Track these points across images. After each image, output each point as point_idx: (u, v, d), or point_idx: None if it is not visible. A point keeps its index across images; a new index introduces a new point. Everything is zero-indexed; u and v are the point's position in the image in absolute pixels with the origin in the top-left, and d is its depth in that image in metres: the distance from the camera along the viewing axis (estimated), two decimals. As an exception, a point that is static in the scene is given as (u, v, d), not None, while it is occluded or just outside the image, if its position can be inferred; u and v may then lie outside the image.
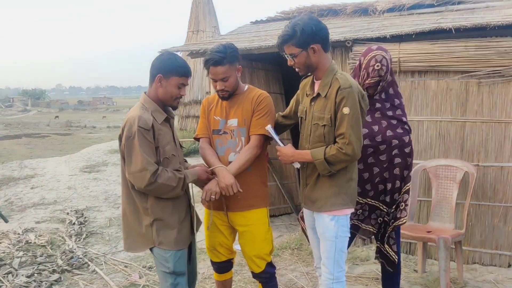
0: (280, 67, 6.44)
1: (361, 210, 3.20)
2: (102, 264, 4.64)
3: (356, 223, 3.22)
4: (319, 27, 2.58)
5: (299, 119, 2.88)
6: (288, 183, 6.45)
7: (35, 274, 4.29)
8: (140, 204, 2.57)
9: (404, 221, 3.12)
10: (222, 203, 2.91)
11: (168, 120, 2.68)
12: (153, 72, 2.60)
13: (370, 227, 3.26)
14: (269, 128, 2.80)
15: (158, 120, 2.58)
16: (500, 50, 4.04)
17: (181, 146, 2.87)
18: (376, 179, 3.10)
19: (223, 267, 3.18)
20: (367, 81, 3.00)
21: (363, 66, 3.03)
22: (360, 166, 3.02)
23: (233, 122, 2.92)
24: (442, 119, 4.45)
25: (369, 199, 3.18)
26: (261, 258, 2.99)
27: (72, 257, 4.70)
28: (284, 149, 2.76)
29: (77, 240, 5.36)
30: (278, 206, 6.33)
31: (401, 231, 3.80)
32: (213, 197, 2.75)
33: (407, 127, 3.09)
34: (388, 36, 4.41)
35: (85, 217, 6.33)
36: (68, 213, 6.46)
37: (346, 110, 2.51)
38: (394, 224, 3.13)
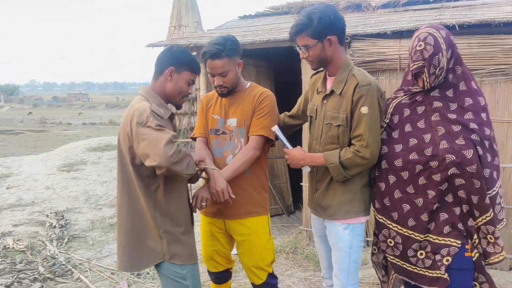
0: (272, 64, 6.25)
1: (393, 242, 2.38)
2: (87, 271, 4.36)
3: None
4: (337, 17, 2.37)
5: (309, 118, 2.67)
6: (279, 183, 6.26)
7: (15, 283, 4.00)
8: (148, 211, 2.28)
9: (501, 257, 2.22)
10: (218, 209, 2.70)
11: (172, 118, 2.44)
12: (162, 64, 2.37)
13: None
14: (276, 129, 2.56)
15: (164, 115, 2.32)
16: (505, 48, 3.93)
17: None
18: (430, 207, 2.22)
19: (221, 277, 2.96)
20: (411, 68, 2.25)
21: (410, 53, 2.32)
22: (410, 189, 2.25)
23: (232, 121, 2.69)
24: (443, 118, 4.31)
25: (413, 233, 2.30)
26: (261, 269, 2.78)
27: (54, 264, 4.41)
28: (294, 151, 2.53)
29: (59, 244, 5.06)
30: (269, 207, 6.12)
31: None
32: (204, 204, 2.53)
33: (476, 137, 2.14)
34: (388, 32, 4.26)
35: (66, 220, 6.02)
36: (47, 215, 6.13)
37: (364, 110, 2.30)
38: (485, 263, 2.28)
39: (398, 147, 2.27)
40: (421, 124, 2.23)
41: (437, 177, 2.18)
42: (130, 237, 2.31)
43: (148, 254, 2.31)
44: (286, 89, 5.89)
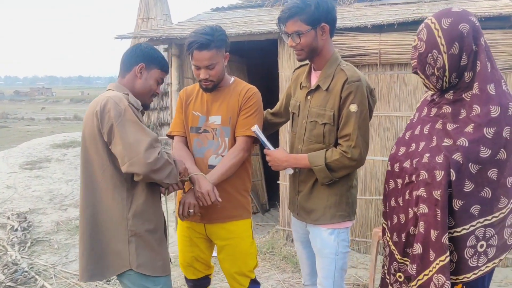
0: (245, 59, 6.06)
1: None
2: (51, 277, 4.07)
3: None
4: (332, 5, 2.20)
5: (291, 115, 2.49)
6: (254, 180, 6.09)
7: (-29, 294, 3.69)
8: (118, 210, 2.04)
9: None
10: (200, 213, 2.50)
11: (141, 115, 2.23)
12: (131, 60, 2.21)
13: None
14: (256, 129, 2.38)
15: (137, 105, 2.13)
16: (489, 44, 3.85)
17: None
18: (408, 227, 1.91)
19: (200, 284, 2.77)
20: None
21: None
22: (400, 201, 1.96)
23: (215, 119, 2.49)
24: (422, 114, 4.22)
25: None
26: (244, 276, 2.61)
27: (16, 271, 4.10)
28: (276, 153, 2.36)
29: (21, 249, 4.73)
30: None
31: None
32: (191, 210, 2.34)
33: (457, 157, 1.67)
34: (369, 26, 4.13)
35: (29, 222, 5.67)
36: (8, 217, 5.75)
37: (353, 108, 2.14)
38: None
39: (402, 150, 1.99)
40: (426, 129, 1.88)
41: (414, 195, 1.84)
42: (93, 242, 2.06)
43: (113, 260, 2.06)
44: (261, 84, 5.71)
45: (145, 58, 2.21)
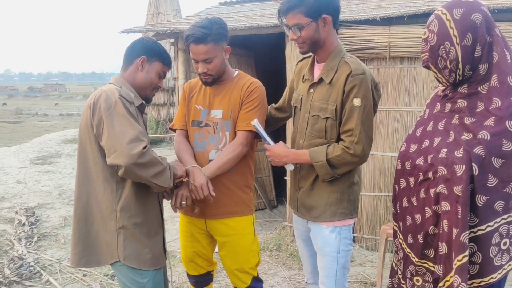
0: (253, 52, 5.99)
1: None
2: (57, 272, 4.06)
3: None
4: None
5: (293, 109, 2.42)
6: (262, 176, 6.03)
7: (-24, 288, 3.69)
8: (108, 202, 2.06)
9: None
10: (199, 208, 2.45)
11: (142, 110, 2.22)
12: (133, 53, 2.21)
13: None
14: (256, 123, 2.31)
15: (134, 102, 2.12)
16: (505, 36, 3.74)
17: None
18: (426, 227, 1.82)
19: (202, 281, 2.73)
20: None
21: None
22: (414, 201, 1.87)
23: (217, 113, 2.43)
24: (433, 109, 4.12)
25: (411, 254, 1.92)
26: (245, 273, 2.55)
27: (21, 265, 4.09)
28: (276, 148, 2.28)
29: (28, 244, 4.73)
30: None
31: (390, 231, 3.47)
32: (184, 202, 2.28)
33: (479, 151, 1.60)
34: (378, 18, 4.03)
35: (37, 216, 5.69)
36: (17, 212, 5.77)
37: (357, 102, 2.06)
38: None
39: (413, 147, 1.91)
40: (441, 125, 1.79)
41: (432, 193, 1.75)
42: (88, 230, 2.10)
43: (104, 250, 2.09)
44: (269, 79, 5.66)
45: (147, 51, 2.20)
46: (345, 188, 2.22)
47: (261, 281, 2.65)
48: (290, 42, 4.58)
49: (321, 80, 2.20)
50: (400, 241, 1.99)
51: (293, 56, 4.60)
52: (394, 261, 2.10)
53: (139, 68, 2.19)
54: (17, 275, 3.92)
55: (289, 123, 4.44)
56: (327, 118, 2.16)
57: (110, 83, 2.19)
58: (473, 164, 1.59)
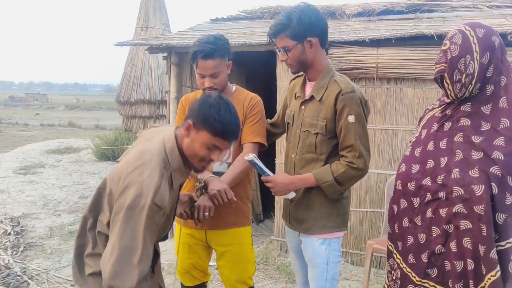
0: (244, 69, 6.11)
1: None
2: (44, 282, 4.05)
3: None
4: (318, 17, 2.23)
5: (286, 124, 2.53)
6: (249, 191, 6.09)
7: (-37, 297, 3.67)
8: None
9: None
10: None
11: (181, 186, 2.08)
12: (189, 113, 1.95)
13: None
14: (253, 157, 2.29)
15: (174, 184, 1.92)
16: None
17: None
18: (432, 246, 1.87)
19: (195, 291, 2.78)
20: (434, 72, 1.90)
21: None
22: (418, 220, 1.93)
23: None
24: (418, 128, 4.27)
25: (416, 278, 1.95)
26: (243, 283, 2.63)
27: (8, 274, 4.08)
28: (278, 177, 2.30)
29: (14, 253, 4.70)
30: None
31: (376, 245, 3.58)
32: (207, 214, 2.29)
33: (496, 171, 1.68)
34: (367, 40, 4.19)
35: (22, 226, 5.64)
36: (1, 221, 5.73)
37: (351, 119, 2.17)
38: None
39: (415, 168, 1.94)
40: (443, 144, 1.86)
41: (443, 213, 1.81)
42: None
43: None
44: (259, 95, 5.76)
45: (197, 115, 1.87)
46: (334, 202, 2.31)
47: None
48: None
49: (312, 97, 2.31)
50: (398, 260, 2.03)
51: (283, 74, 4.72)
52: (386, 282, 2.14)
53: (185, 132, 1.90)
54: (4, 284, 3.90)
55: (280, 139, 4.55)
56: (317, 133, 2.26)
57: (163, 139, 1.92)
58: (492, 183, 1.67)
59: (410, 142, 2.09)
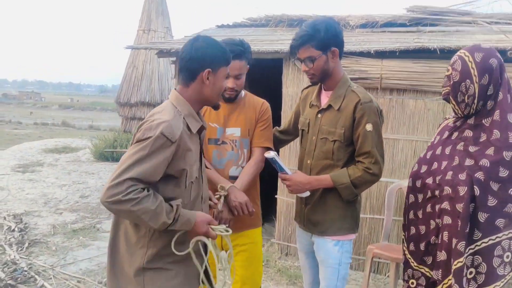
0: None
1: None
2: (51, 278, 4.13)
3: None
4: (339, 29, 2.38)
5: (300, 131, 2.65)
6: (250, 194, 6.19)
7: (-27, 290, 3.74)
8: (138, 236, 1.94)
9: None
10: None
11: (201, 131, 2.10)
12: (195, 66, 1.98)
13: None
14: (275, 155, 2.40)
15: (192, 128, 2.00)
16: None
17: (206, 167, 2.34)
18: (429, 237, 2.13)
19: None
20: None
21: None
22: (420, 214, 2.19)
23: (234, 131, 2.60)
24: (418, 138, 4.42)
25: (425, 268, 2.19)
26: (255, 284, 2.72)
27: (15, 270, 4.15)
28: (296, 177, 2.44)
29: (19, 249, 4.77)
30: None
31: (376, 250, 3.71)
32: (226, 225, 2.35)
33: (479, 176, 1.91)
34: (372, 52, 4.34)
35: (25, 223, 5.71)
36: (5, 218, 5.79)
37: (369, 127, 2.31)
38: None
39: (424, 168, 2.20)
40: (447, 150, 2.10)
41: (437, 208, 2.06)
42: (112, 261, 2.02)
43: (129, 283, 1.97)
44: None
45: (211, 61, 1.99)
46: (348, 206, 2.44)
47: None
48: (287, 68, 4.85)
49: (329, 106, 2.43)
50: (404, 247, 2.29)
51: (289, 82, 4.86)
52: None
53: (205, 82, 1.99)
54: (12, 279, 3.97)
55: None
56: (335, 140, 2.39)
57: (169, 100, 2.03)
58: (474, 186, 1.90)
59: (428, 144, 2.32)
